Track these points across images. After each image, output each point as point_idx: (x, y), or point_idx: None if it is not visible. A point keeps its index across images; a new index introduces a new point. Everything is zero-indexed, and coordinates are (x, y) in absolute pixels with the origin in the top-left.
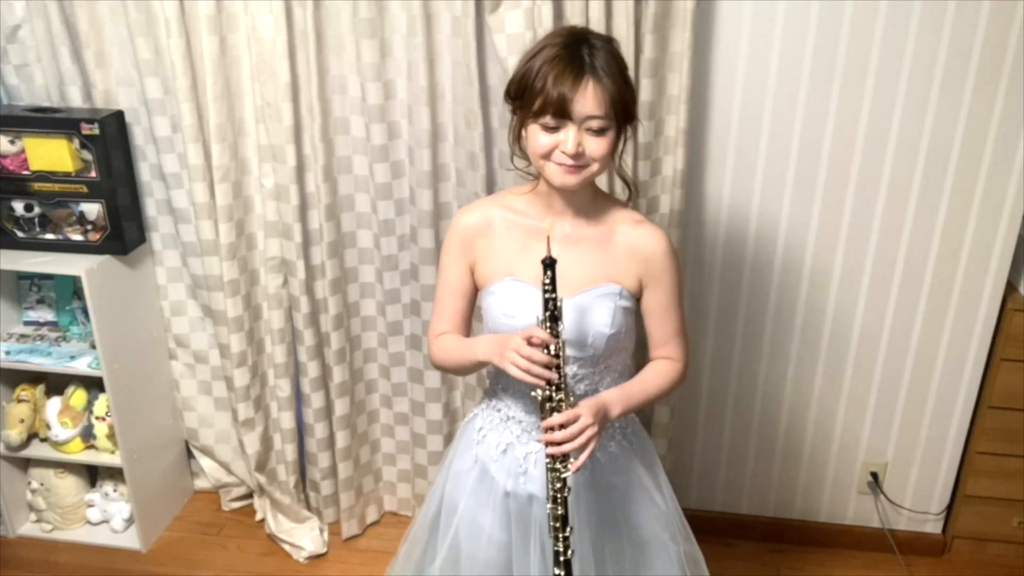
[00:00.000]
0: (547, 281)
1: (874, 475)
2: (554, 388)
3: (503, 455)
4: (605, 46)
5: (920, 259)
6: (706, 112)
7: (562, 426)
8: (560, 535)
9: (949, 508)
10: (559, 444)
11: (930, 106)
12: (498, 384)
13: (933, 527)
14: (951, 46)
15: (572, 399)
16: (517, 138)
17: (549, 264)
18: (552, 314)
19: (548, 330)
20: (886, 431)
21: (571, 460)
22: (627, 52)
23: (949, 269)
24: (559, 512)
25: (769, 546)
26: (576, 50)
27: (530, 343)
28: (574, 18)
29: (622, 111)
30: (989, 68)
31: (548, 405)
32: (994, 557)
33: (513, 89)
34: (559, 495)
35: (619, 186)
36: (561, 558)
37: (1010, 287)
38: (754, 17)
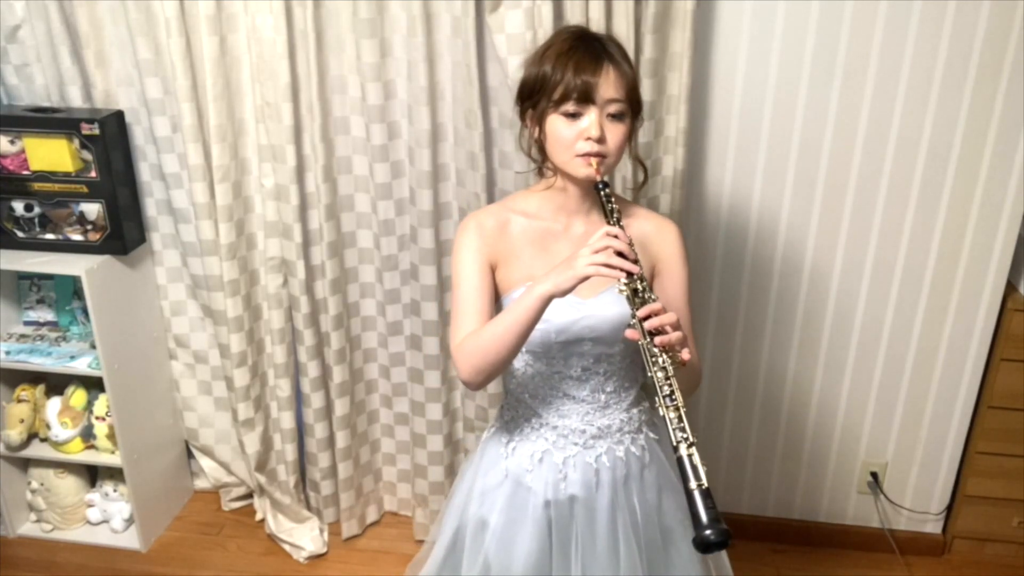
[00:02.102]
0: (605, 193)
1: (874, 475)
2: (638, 280)
3: (539, 464)
4: (611, 39)
5: (920, 259)
6: (706, 112)
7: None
8: (689, 451)
9: (949, 508)
10: (662, 334)
11: (930, 106)
12: (525, 392)
13: (933, 527)
14: (951, 46)
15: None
16: (531, 136)
17: (603, 186)
18: (618, 220)
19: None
20: (886, 431)
21: (668, 355)
22: (627, 52)
23: (949, 269)
24: (678, 421)
25: (769, 546)
26: (588, 42)
27: (606, 235)
28: (574, 18)
29: (636, 98)
30: (989, 68)
31: (639, 298)
32: (994, 557)
33: (527, 89)
34: (673, 396)
35: (620, 184)
36: (693, 484)
37: (1010, 287)
38: (754, 17)
